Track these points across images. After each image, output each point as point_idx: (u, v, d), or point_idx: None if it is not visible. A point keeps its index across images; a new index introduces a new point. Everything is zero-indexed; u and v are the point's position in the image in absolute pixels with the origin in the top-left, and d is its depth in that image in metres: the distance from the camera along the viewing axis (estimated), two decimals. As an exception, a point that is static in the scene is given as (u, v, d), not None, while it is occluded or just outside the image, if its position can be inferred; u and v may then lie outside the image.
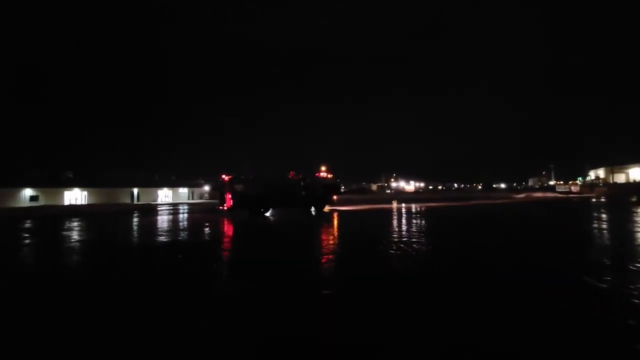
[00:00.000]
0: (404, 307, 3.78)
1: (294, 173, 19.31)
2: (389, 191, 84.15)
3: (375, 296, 4.21)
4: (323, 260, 6.27)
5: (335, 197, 20.99)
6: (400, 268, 5.68)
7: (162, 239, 9.98)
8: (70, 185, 44.08)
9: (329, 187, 20.05)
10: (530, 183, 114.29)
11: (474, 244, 8.31)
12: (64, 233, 11.83)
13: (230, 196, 16.85)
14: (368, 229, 12.10)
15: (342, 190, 59.28)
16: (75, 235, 11.15)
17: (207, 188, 61.88)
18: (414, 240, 8.40)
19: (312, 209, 18.38)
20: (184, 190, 57.04)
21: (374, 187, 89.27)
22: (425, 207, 24.05)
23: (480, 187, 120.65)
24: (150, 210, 25.60)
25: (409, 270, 5.54)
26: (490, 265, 5.83)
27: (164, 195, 53.80)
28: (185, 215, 19.38)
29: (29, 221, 16.92)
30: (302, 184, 18.59)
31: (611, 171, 57.96)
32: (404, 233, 9.87)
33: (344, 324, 3.34)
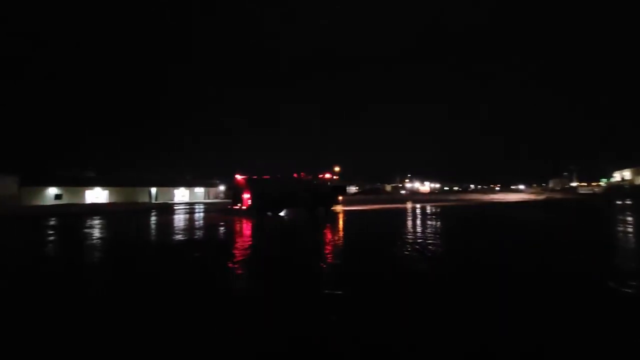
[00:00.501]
0: (401, 305, 3.76)
1: (304, 174, 19.74)
2: (403, 192, 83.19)
3: (375, 291, 4.21)
4: (333, 260, 6.30)
5: (340, 198, 21.88)
6: (399, 265, 5.64)
7: (197, 238, 10.22)
8: (92, 184, 45.66)
9: (336, 189, 20.80)
10: (550, 184, 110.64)
11: (480, 243, 8.13)
12: (101, 230, 12.28)
13: (248, 196, 17.09)
14: (376, 228, 12.57)
15: (348, 191, 62.48)
16: (109, 233, 11.57)
17: (222, 188, 62.86)
18: (416, 239, 8.30)
19: (322, 209, 18.86)
20: (200, 190, 58.12)
21: (388, 187, 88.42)
22: (434, 206, 23.68)
23: (498, 188, 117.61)
24: (168, 210, 26.22)
25: (410, 268, 5.49)
26: (498, 265, 5.70)
27: (181, 194, 54.96)
28: (205, 214, 19.64)
29: (57, 218, 17.65)
30: (312, 185, 19.08)
31: (637, 172, 55.43)
32: (408, 231, 9.79)
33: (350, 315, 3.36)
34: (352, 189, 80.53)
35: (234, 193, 18.77)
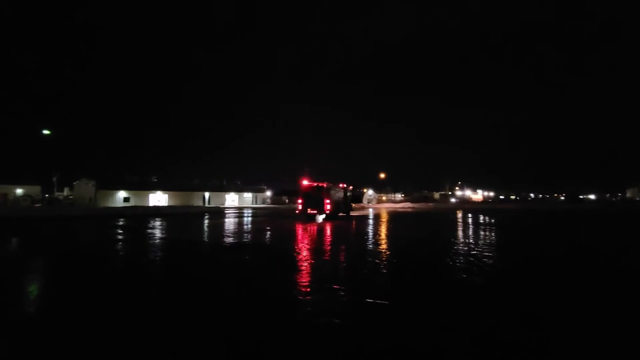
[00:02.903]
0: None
1: (342, 184, 22.95)
2: (453, 200, 79.06)
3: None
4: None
5: (354, 205, 27.18)
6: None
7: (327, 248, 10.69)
8: (155, 188, 50.04)
9: (354, 197, 27.14)
10: (628, 194, 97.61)
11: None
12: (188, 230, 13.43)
13: (328, 202, 19.10)
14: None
15: (393, 199, 69.78)
16: (205, 233, 12.59)
17: (269, 193, 65.10)
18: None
19: (345, 214, 22.35)
20: (248, 195, 60.69)
21: (437, 195, 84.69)
22: (478, 213, 22.07)
23: (562, 197, 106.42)
24: (222, 213, 27.67)
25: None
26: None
27: (231, 199, 57.89)
28: (283, 219, 20.20)
29: (140, 219, 19.55)
30: (346, 193, 22.70)
31: None
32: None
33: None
34: (398, 197, 78.40)
35: (306, 199, 19.50)
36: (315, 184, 19.83)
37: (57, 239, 11.15)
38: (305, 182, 19.94)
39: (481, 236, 11.22)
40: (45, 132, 35.51)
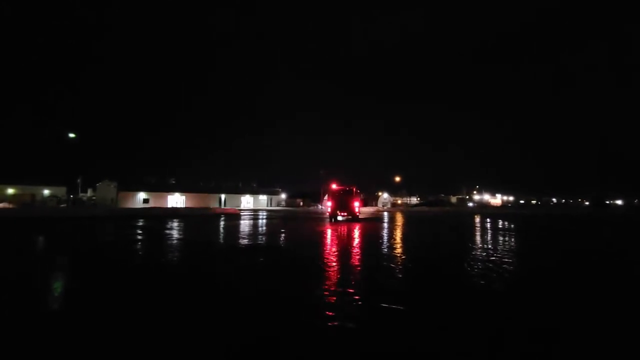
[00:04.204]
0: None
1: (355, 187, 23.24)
2: (470, 204, 77.27)
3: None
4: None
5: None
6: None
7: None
8: (173, 190, 51.35)
9: (361, 200, 26.13)
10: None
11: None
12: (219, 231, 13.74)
13: (357, 205, 19.83)
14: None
15: (408, 202, 71.17)
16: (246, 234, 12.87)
17: (283, 196, 65.56)
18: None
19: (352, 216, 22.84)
20: (263, 197, 61.31)
21: (453, 199, 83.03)
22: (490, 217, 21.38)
23: (587, 203, 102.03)
24: (253, 215, 27.99)
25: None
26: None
27: (246, 201, 58.62)
28: (320, 223, 20.06)
29: (170, 219, 20.08)
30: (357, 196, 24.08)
31: None
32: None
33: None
34: (413, 200, 77.33)
35: (336, 202, 19.91)
36: (346, 188, 20.27)
37: (86, 239, 11.62)
38: (334, 186, 20.50)
39: (500, 242, 10.92)
40: (71, 135, 37.09)
